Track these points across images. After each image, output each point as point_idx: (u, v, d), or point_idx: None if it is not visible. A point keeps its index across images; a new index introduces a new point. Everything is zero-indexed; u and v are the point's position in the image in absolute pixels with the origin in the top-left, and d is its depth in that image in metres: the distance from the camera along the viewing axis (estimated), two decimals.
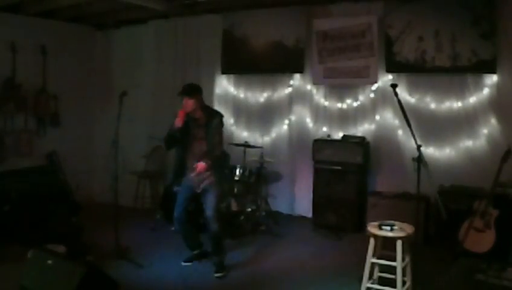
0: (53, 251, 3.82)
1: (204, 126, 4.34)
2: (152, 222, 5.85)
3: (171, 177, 4.57)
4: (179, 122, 4.24)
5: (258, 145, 6.11)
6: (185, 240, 4.65)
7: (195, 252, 4.70)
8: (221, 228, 4.42)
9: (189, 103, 4.27)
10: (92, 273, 3.37)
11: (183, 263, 4.62)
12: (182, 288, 4.15)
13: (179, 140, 4.39)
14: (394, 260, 3.56)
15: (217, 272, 4.37)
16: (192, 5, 6.21)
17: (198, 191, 4.42)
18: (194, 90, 4.35)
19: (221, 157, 4.53)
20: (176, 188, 4.95)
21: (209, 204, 4.36)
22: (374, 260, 3.74)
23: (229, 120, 6.68)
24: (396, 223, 3.74)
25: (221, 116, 4.45)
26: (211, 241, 4.48)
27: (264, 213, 5.90)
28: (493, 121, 5.13)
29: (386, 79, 5.66)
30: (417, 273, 3.83)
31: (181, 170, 4.50)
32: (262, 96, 6.48)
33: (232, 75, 6.67)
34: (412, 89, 5.54)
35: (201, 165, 4.22)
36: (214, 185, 4.38)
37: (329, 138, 5.97)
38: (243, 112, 6.62)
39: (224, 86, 6.72)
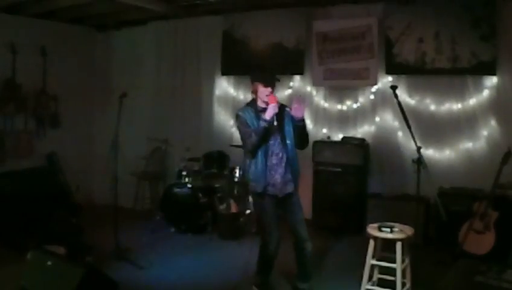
0: (53, 252, 3.81)
1: (283, 117, 3.79)
2: (152, 223, 5.84)
3: (252, 186, 3.83)
4: (275, 108, 3.64)
5: None
6: (271, 265, 3.98)
7: (267, 278, 4.05)
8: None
9: (272, 91, 3.76)
10: (92, 274, 3.37)
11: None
12: (182, 289, 4.15)
13: (270, 134, 3.74)
14: (394, 261, 3.57)
15: None
16: (192, 6, 6.22)
17: (280, 195, 3.79)
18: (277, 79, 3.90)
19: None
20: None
21: (299, 216, 3.80)
22: (374, 262, 3.74)
23: (228, 121, 6.69)
24: (396, 224, 3.75)
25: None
26: (305, 264, 3.91)
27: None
28: (493, 122, 5.13)
29: (385, 81, 5.66)
30: (417, 275, 3.83)
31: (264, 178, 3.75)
32: None
33: (232, 77, 6.67)
34: (412, 90, 5.54)
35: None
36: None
37: (329, 140, 5.97)
38: None
39: (224, 87, 6.72)
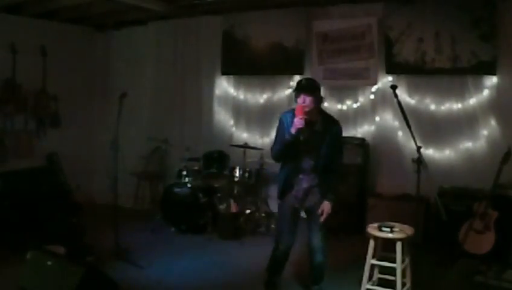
0: (52, 251, 3.81)
1: (322, 133, 3.60)
2: (152, 223, 5.84)
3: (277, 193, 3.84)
4: (300, 122, 3.41)
5: (258, 147, 6.11)
6: (280, 266, 4.01)
7: (274, 277, 4.04)
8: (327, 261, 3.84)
9: (308, 101, 3.48)
10: (92, 274, 3.38)
11: None
12: (182, 289, 4.15)
13: (295, 148, 3.59)
14: (394, 261, 3.56)
15: None
16: (192, 6, 6.21)
17: (302, 210, 3.82)
18: (315, 87, 3.59)
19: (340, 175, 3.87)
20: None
21: (315, 228, 3.74)
22: (374, 262, 3.74)
23: (228, 121, 6.69)
24: (396, 224, 3.74)
25: (340, 124, 3.75)
26: (313, 270, 3.92)
27: (263, 214, 5.90)
28: (493, 122, 5.13)
29: (385, 80, 5.66)
30: (417, 275, 3.83)
31: (286, 186, 3.75)
32: (262, 98, 6.48)
33: (232, 76, 6.67)
34: (412, 90, 5.54)
35: (327, 206, 3.61)
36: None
37: None
38: (242, 113, 6.61)
39: (224, 87, 6.72)
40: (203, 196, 5.79)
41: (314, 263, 3.85)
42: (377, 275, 3.87)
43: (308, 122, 3.47)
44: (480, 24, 5.01)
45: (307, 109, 3.47)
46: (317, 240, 3.74)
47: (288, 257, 3.94)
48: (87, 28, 7.33)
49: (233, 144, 6.19)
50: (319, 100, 3.59)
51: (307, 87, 3.54)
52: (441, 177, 5.10)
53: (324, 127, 3.62)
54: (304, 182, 3.70)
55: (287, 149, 3.59)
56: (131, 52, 7.24)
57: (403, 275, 3.63)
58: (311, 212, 3.74)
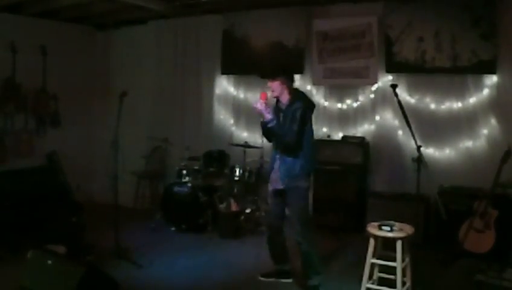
0: (53, 251, 3.82)
1: (287, 113, 3.80)
2: (152, 222, 5.84)
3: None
4: (259, 104, 3.73)
5: (258, 146, 6.11)
6: (277, 252, 4.20)
7: (277, 267, 4.22)
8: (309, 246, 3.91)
9: (273, 86, 3.83)
10: (92, 273, 3.38)
11: (261, 278, 4.21)
12: (182, 288, 4.15)
13: (268, 132, 3.89)
14: (394, 260, 3.56)
15: None
16: (192, 5, 6.21)
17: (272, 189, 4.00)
18: (278, 71, 3.85)
19: (293, 148, 3.80)
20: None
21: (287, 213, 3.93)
22: (374, 261, 3.74)
23: (228, 121, 6.69)
24: (396, 223, 3.74)
25: (307, 103, 3.87)
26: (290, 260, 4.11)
27: (263, 213, 5.89)
28: (493, 121, 5.13)
29: (386, 79, 5.66)
30: (417, 274, 3.83)
31: (269, 168, 4.03)
32: None
33: (232, 76, 6.67)
34: (412, 89, 5.54)
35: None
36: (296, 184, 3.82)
37: (329, 138, 5.97)
38: (242, 112, 6.61)
39: (224, 86, 6.72)
40: (203, 195, 5.79)
41: (286, 249, 4.13)
42: (377, 274, 3.87)
43: (278, 105, 3.89)
44: (481, 23, 5.01)
45: (275, 94, 3.86)
46: (288, 226, 3.97)
47: (282, 242, 4.10)
48: (87, 27, 7.33)
49: (234, 143, 6.19)
50: (285, 82, 3.84)
51: (269, 73, 3.87)
52: (441, 176, 5.11)
53: (289, 107, 3.82)
54: (276, 164, 3.94)
55: (264, 133, 3.99)
56: (131, 52, 7.24)
57: (403, 274, 3.63)
58: (286, 198, 3.92)
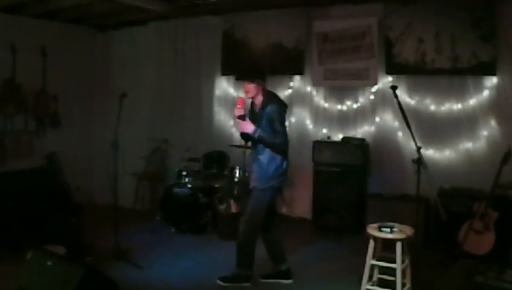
0: (52, 252, 3.81)
1: (260, 116, 3.91)
2: (152, 223, 5.84)
3: None
4: (238, 111, 3.88)
5: None
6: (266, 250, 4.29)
7: (275, 267, 4.27)
8: (249, 233, 4.04)
9: (249, 88, 3.95)
10: (92, 274, 3.37)
11: (261, 280, 4.22)
12: (182, 289, 4.15)
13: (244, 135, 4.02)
14: (394, 261, 3.56)
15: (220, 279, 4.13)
16: (192, 6, 6.21)
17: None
18: (254, 74, 3.99)
19: (284, 147, 3.96)
20: None
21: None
22: (374, 262, 3.74)
23: (228, 122, 6.69)
24: (396, 225, 3.74)
25: (281, 104, 4.00)
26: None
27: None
28: (493, 123, 5.13)
29: (386, 81, 5.66)
30: (417, 275, 3.83)
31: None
32: None
33: (232, 77, 6.66)
34: (412, 90, 5.54)
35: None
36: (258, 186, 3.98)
37: (329, 140, 5.97)
38: None
39: (224, 87, 6.72)
40: (203, 196, 5.79)
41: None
42: (376, 275, 3.87)
43: (253, 108, 4.00)
44: (480, 24, 5.01)
45: (250, 96, 3.96)
46: (242, 219, 4.10)
47: (275, 241, 4.22)
48: (88, 28, 7.33)
49: (233, 144, 6.18)
50: (261, 84, 3.97)
51: (247, 76, 3.96)
52: (441, 178, 5.11)
53: (262, 109, 3.91)
54: (252, 165, 4.09)
55: (242, 136, 4.06)
56: (131, 52, 7.24)
57: (403, 276, 3.63)
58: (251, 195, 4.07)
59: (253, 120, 3.95)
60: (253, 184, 4.08)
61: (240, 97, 3.97)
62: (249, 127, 3.87)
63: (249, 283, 4.11)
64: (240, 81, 3.99)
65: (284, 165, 4.03)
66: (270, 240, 4.23)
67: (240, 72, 4.01)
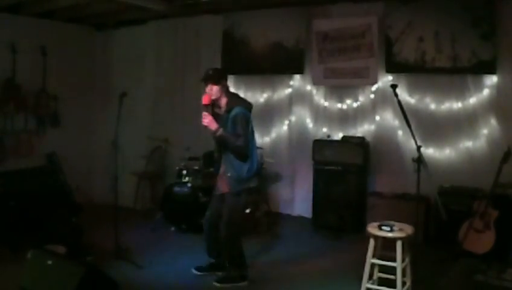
0: (53, 251, 3.82)
1: (225, 119, 3.95)
2: (152, 222, 5.84)
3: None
4: (206, 100, 3.88)
5: (258, 146, 6.10)
6: (205, 244, 4.39)
7: (211, 261, 4.38)
8: (232, 235, 4.10)
9: (213, 89, 3.95)
10: (92, 273, 3.37)
11: (194, 271, 4.38)
12: (182, 288, 4.15)
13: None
14: (394, 260, 3.56)
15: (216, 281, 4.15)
16: (192, 5, 6.20)
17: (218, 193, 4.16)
18: (219, 75, 4.00)
19: (245, 152, 3.95)
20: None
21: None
22: (374, 261, 3.74)
23: None
24: (396, 223, 3.74)
25: (245, 105, 4.02)
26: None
27: (263, 213, 5.89)
28: (493, 121, 5.13)
29: (386, 80, 5.66)
30: (417, 274, 3.83)
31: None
32: (262, 97, 6.48)
33: (232, 76, 6.63)
34: (412, 89, 5.54)
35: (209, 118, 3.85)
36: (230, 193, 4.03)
37: (329, 139, 5.97)
38: None
39: None
40: (203, 196, 5.77)
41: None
42: (377, 274, 3.87)
43: (215, 110, 3.95)
44: (481, 23, 5.00)
45: (213, 97, 3.92)
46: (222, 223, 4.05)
47: (217, 237, 4.15)
48: (87, 27, 7.33)
49: None
50: (225, 85, 3.99)
51: (212, 78, 3.93)
52: (441, 177, 5.11)
53: (227, 112, 3.94)
54: (223, 168, 4.08)
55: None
56: (131, 52, 7.23)
57: (403, 274, 3.63)
58: (222, 199, 4.08)
59: (217, 122, 3.94)
60: (225, 190, 4.07)
61: (207, 95, 3.93)
62: (213, 124, 3.88)
63: (246, 282, 4.11)
64: (204, 83, 3.97)
65: (255, 166, 4.04)
66: (214, 236, 4.21)
67: (205, 75, 3.98)
